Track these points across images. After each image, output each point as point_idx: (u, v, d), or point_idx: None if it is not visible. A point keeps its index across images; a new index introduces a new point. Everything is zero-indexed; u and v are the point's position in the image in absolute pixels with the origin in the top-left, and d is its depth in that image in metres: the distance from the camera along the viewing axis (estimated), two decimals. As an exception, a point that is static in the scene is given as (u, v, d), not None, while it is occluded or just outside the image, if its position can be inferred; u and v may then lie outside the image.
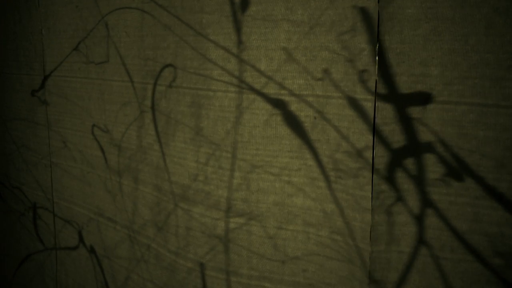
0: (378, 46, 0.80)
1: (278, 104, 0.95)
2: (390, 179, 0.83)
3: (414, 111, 0.80)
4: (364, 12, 0.83)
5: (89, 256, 1.51)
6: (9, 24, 1.72)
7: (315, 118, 0.91)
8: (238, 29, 0.98)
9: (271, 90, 0.96)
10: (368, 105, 0.84)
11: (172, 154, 1.17)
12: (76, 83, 1.48)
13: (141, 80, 1.25)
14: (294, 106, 0.93)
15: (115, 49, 1.33)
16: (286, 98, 0.94)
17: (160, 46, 1.19)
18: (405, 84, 0.80)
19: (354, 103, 0.86)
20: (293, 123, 0.94)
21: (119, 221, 1.39)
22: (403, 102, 0.80)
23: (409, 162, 0.82)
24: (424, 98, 0.79)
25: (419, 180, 0.81)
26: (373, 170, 0.84)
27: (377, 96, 0.83)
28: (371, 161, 0.85)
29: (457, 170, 0.78)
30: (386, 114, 0.82)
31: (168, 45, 1.17)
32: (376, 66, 0.82)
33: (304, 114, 0.92)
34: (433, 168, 0.80)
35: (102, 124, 1.40)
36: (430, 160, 0.80)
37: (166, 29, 1.16)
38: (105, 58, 1.36)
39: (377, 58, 0.81)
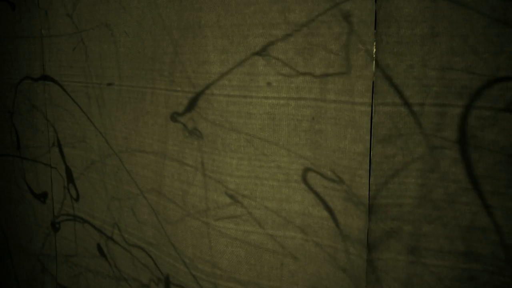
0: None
1: None
2: None
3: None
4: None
5: None
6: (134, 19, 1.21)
7: None
8: None
9: None
10: None
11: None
12: (259, 106, 0.94)
13: (429, 101, 0.80)
14: None
15: (365, 53, 0.78)
16: None
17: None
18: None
19: None
20: None
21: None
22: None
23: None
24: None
25: None
26: None
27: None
28: None
29: None
30: None
31: None
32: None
33: None
34: None
35: (328, 169, 0.87)
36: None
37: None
38: (341, 68, 0.81)
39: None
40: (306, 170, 0.90)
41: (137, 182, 1.27)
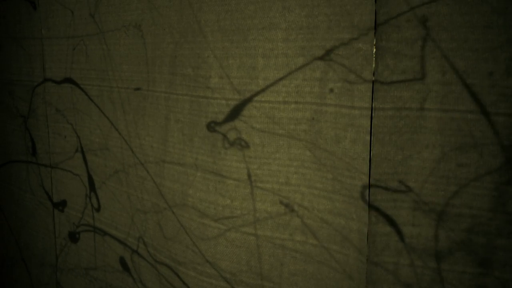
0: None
1: None
2: None
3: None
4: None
5: None
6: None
7: None
8: None
9: None
10: None
11: None
12: (320, 114, 0.88)
13: (509, 111, 0.74)
14: None
15: (443, 59, 0.72)
16: None
17: None
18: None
19: None
20: None
21: None
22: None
23: None
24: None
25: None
26: None
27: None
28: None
29: None
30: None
31: None
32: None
33: None
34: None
35: (394, 180, 0.80)
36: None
37: None
38: (415, 74, 0.75)
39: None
40: (366, 186, 0.83)
41: (165, 195, 1.20)
